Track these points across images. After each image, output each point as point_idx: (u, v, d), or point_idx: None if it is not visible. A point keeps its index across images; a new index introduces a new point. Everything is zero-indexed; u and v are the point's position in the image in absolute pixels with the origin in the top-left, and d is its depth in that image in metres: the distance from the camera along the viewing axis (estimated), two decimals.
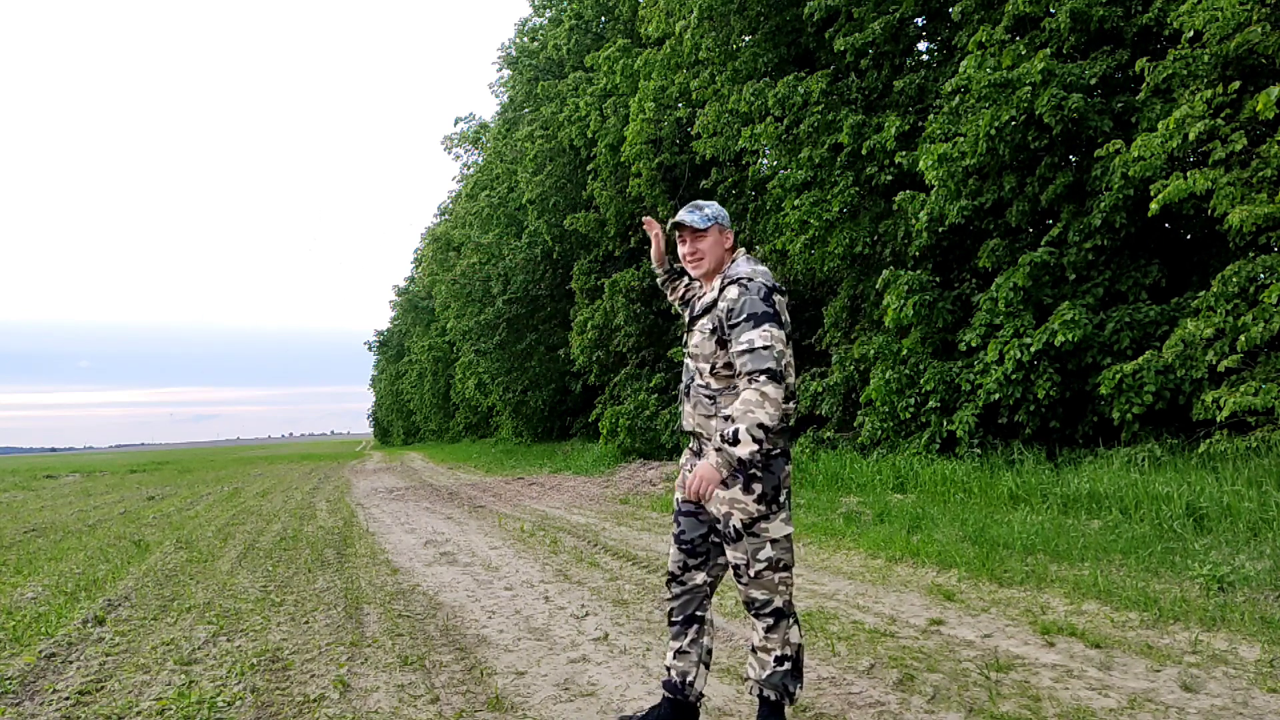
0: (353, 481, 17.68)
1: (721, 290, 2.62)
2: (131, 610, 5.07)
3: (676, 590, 2.77)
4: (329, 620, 4.65)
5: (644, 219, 3.12)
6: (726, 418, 2.44)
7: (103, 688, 3.59)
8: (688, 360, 2.74)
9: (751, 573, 2.59)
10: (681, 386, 2.78)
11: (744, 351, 2.47)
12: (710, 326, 2.62)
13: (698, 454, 2.76)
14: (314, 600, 5.20)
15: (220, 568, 6.54)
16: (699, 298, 2.79)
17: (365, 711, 3.19)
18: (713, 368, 2.64)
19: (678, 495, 2.79)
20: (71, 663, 3.98)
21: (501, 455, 22.68)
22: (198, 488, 17.32)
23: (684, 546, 2.73)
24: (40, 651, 4.15)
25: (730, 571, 2.68)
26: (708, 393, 2.65)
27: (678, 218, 2.74)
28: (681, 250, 2.76)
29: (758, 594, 2.61)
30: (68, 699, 3.45)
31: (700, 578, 2.75)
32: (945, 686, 3.16)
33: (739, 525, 2.59)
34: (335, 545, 7.59)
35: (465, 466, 21.39)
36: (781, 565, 2.59)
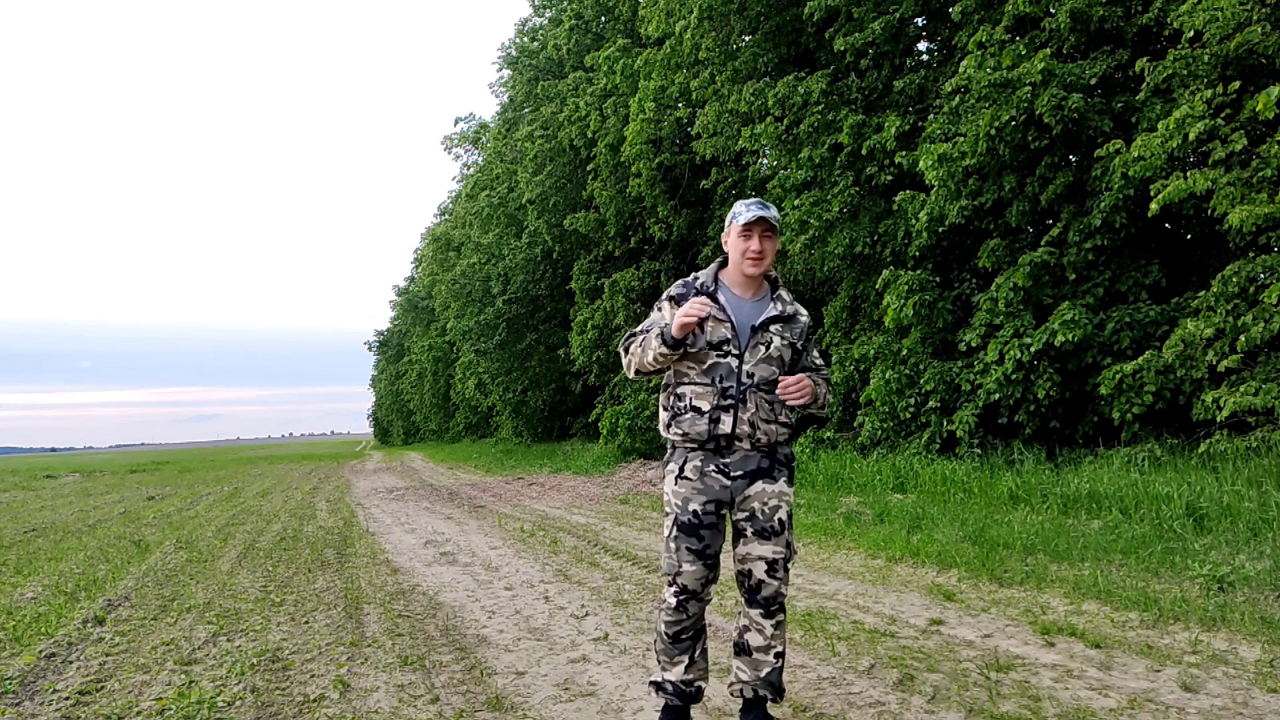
0: (352, 481, 17.68)
1: (790, 305, 2.75)
2: (131, 610, 5.07)
3: (695, 608, 2.65)
4: (329, 620, 4.65)
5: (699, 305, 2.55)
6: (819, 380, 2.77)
7: (103, 688, 3.59)
8: (741, 365, 2.62)
9: (788, 565, 2.66)
10: (721, 389, 2.61)
11: (823, 365, 2.87)
12: (788, 339, 2.71)
13: (721, 454, 2.63)
14: (314, 600, 5.20)
15: (220, 568, 6.54)
16: (750, 311, 2.68)
17: (365, 711, 3.19)
18: (779, 374, 2.67)
19: (693, 507, 2.61)
20: (71, 663, 3.98)
21: (501, 455, 22.67)
22: (198, 488, 17.32)
23: (708, 560, 2.62)
24: (40, 651, 4.15)
25: (751, 569, 2.65)
26: (769, 398, 2.65)
27: (764, 213, 2.59)
28: (749, 245, 2.61)
29: (784, 589, 2.67)
30: (68, 699, 3.44)
31: (713, 589, 2.72)
32: (945, 686, 3.17)
33: (784, 518, 2.65)
34: (335, 545, 7.59)
35: (465, 466, 21.39)
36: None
